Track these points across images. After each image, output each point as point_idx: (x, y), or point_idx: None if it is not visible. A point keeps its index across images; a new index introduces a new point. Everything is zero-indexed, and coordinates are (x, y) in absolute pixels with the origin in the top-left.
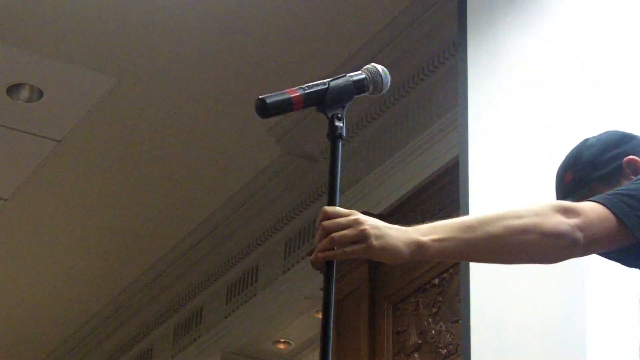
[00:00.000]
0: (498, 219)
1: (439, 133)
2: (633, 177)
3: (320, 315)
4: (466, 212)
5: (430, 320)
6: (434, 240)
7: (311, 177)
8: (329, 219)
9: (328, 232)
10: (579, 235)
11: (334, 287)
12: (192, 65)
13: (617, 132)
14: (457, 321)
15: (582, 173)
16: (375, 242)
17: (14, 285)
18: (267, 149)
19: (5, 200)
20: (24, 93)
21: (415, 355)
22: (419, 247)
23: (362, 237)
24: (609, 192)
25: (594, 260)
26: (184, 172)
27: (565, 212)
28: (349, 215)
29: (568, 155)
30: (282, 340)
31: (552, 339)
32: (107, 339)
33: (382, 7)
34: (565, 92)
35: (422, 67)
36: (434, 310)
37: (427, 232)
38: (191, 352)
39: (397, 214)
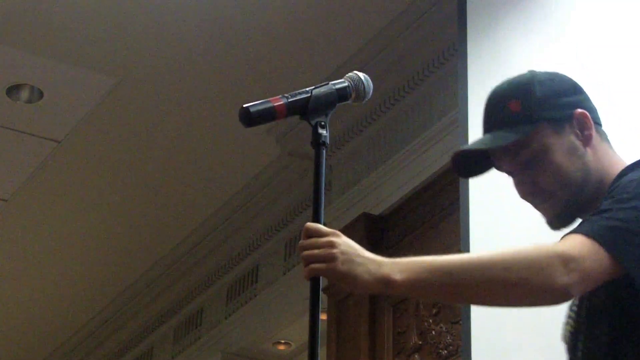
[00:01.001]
0: (482, 267)
1: (439, 134)
2: (578, 131)
3: (321, 317)
4: (466, 213)
5: (430, 321)
6: (405, 280)
7: (311, 178)
8: (309, 236)
9: (302, 249)
10: (575, 289)
11: (320, 301)
12: (192, 66)
13: (568, 78)
14: (457, 322)
15: (532, 108)
16: (340, 266)
17: (14, 286)
18: (267, 149)
19: (6, 201)
20: (24, 94)
21: (416, 356)
22: (386, 284)
23: (329, 258)
24: (603, 221)
25: None
26: (184, 172)
27: (566, 263)
28: (327, 235)
29: (511, 83)
30: (282, 341)
31: (552, 339)
32: (108, 339)
33: (382, 8)
34: None
35: (422, 68)
36: (435, 311)
37: (401, 269)
38: (191, 353)
39: (398, 215)
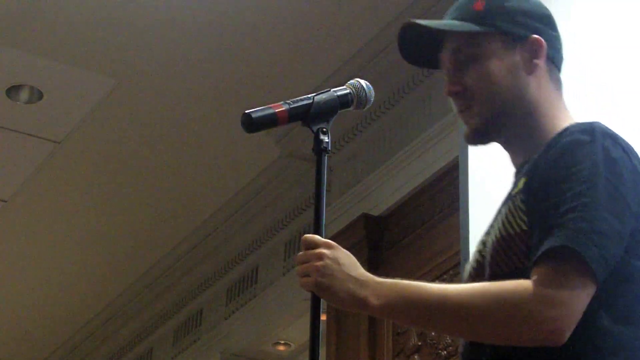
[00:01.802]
0: (461, 308)
1: (438, 134)
2: (527, 56)
3: (321, 317)
4: (466, 213)
5: None
6: (383, 306)
7: (311, 179)
8: (305, 248)
9: (296, 262)
10: (567, 333)
11: (321, 301)
12: (191, 67)
13: (548, 10)
14: None
15: (493, 13)
16: (320, 279)
17: (13, 286)
18: (267, 150)
19: (5, 201)
20: (24, 94)
21: (415, 357)
22: (363, 307)
23: (311, 271)
24: (578, 222)
25: None
26: (183, 173)
27: (553, 305)
28: (319, 246)
29: None
30: (282, 341)
31: None
32: (107, 340)
33: (382, 9)
34: (566, 92)
35: (422, 68)
36: None
37: (381, 294)
38: (191, 354)
39: (397, 215)
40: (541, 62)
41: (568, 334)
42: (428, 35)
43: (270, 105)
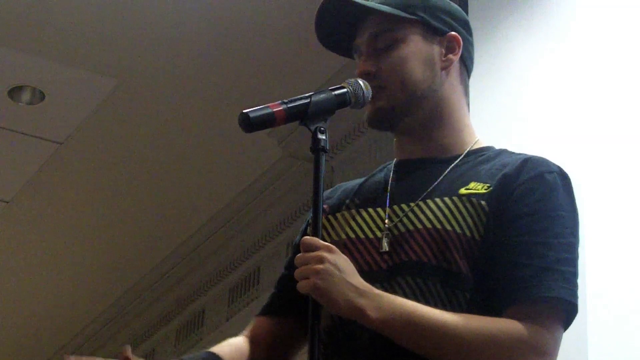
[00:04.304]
0: (455, 338)
1: None
2: (443, 51)
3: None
4: None
5: None
6: (380, 319)
7: (313, 179)
8: (304, 250)
9: (295, 263)
10: None
11: (319, 311)
12: (193, 67)
13: (467, 16)
14: None
15: (417, 4)
16: (318, 283)
17: (15, 287)
18: (269, 151)
19: (7, 202)
20: (26, 95)
21: None
22: (360, 316)
23: (311, 274)
24: (567, 277)
25: (595, 258)
26: (185, 174)
27: (543, 355)
28: (319, 249)
29: None
30: None
31: None
32: (109, 341)
33: None
34: (565, 93)
35: None
36: None
37: (379, 306)
38: None
39: None
40: (456, 60)
41: None
42: (347, 17)
43: (267, 105)
